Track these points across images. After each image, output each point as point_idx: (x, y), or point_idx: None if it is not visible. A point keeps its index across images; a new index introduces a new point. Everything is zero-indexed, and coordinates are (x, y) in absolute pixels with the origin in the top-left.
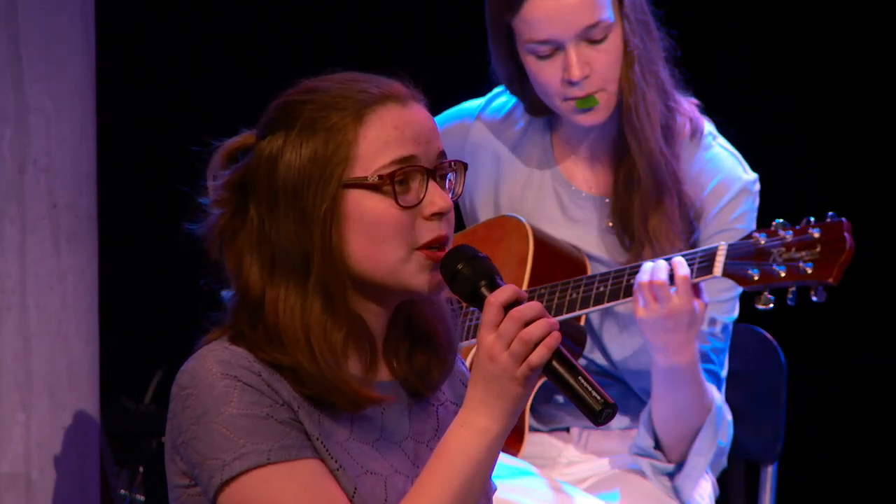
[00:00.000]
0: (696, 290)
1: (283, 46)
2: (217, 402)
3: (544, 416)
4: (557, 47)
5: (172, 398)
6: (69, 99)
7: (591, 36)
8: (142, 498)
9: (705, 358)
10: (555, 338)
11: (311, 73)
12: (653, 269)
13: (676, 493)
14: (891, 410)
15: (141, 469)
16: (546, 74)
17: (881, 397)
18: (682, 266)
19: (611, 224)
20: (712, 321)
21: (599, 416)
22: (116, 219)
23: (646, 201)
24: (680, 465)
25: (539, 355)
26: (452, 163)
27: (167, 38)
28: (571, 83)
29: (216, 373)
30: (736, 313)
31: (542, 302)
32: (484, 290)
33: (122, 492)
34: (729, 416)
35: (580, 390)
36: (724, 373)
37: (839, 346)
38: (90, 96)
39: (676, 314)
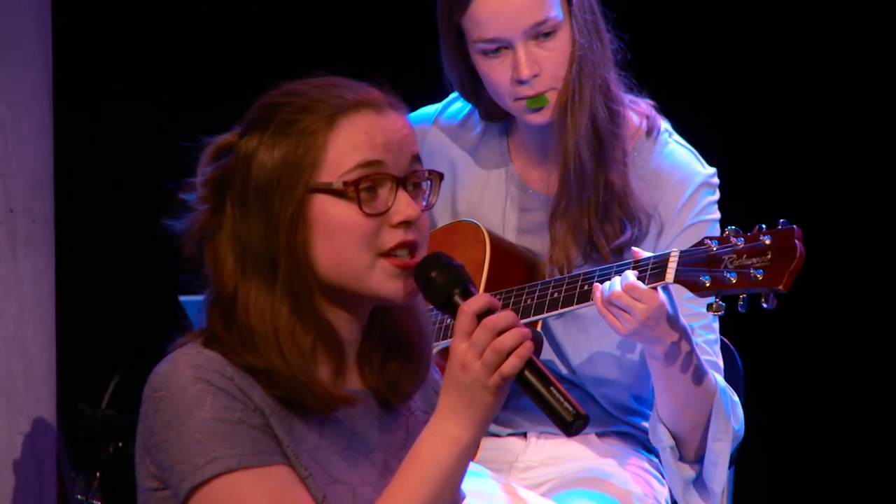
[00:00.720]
0: (650, 291)
1: (240, 52)
2: (190, 406)
3: (501, 420)
4: (506, 46)
5: (144, 400)
6: (26, 103)
7: (539, 35)
8: (98, 503)
9: (702, 350)
10: (527, 347)
11: (263, 82)
12: (609, 288)
13: (705, 484)
14: (847, 413)
15: (98, 474)
16: (496, 74)
17: (838, 401)
18: (625, 278)
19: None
20: (700, 314)
21: (571, 427)
22: (73, 223)
23: (557, 202)
24: (701, 459)
25: (511, 365)
26: (427, 172)
27: (124, 43)
28: (521, 82)
29: (189, 376)
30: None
31: None
32: (457, 298)
33: (80, 497)
34: (735, 398)
35: (552, 401)
36: (721, 362)
37: (796, 351)
38: (47, 101)
39: (651, 314)
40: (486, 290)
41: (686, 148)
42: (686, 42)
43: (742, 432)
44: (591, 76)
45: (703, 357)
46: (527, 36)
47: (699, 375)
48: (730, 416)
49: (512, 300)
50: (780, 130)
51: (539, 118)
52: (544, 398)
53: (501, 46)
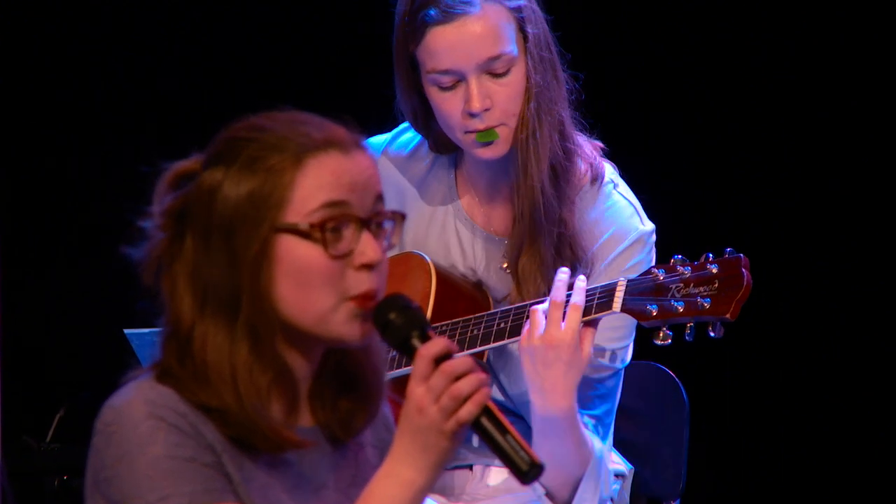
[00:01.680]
0: (588, 334)
1: (193, 78)
2: (142, 442)
3: None
4: (460, 79)
5: (96, 433)
6: None
7: (493, 69)
8: None
9: (591, 404)
10: (484, 394)
11: (214, 110)
12: (549, 299)
13: None
14: (792, 448)
15: None
16: (448, 106)
17: (783, 435)
18: (578, 294)
19: (505, 265)
20: (603, 367)
21: (526, 476)
22: (18, 254)
23: (519, 239)
24: None
25: (468, 411)
26: (390, 213)
27: (70, 66)
28: (472, 115)
29: (143, 412)
30: (628, 360)
31: None
32: (415, 341)
33: None
34: (612, 466)
35: (507, 448)
36: (610, 419)
37: (741, 384)
38: None
39: (557, 345)
40: (432, 322)
41: (628, 201)
42: (634, 74)
43: (608, 500)
44: (549, 113)
45: (590, 412)
46: (480, 69)
47: (575, 446)
48: (599, 486)
49: (458, 331)
50: (727, 158)
51: (488, 153)
52: (500, 446)
53: (455, 78)
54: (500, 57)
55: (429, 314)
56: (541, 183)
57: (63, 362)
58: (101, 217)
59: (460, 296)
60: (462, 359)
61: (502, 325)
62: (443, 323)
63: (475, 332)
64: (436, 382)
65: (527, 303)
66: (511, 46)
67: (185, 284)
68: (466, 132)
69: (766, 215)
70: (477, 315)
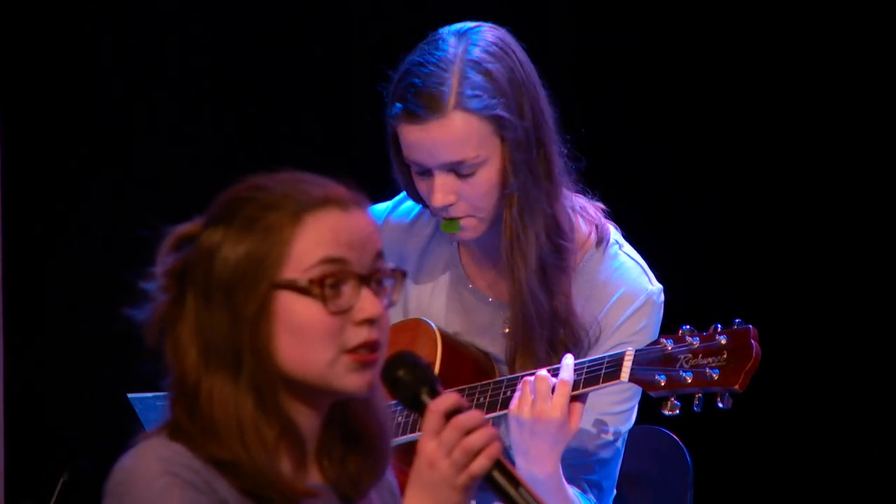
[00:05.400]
0: (576, 410)
1: (197, 141)
2: (156, 500)
3: None
4: (427, 171)
5: (106, 496)
6: None
7: (457, 170)
8: None
9: (590, 469)
10: (496, 447)
11: (219, 172)
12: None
13: None
14: None
15: None
16: (421, 189)
17: (788, 498)
18: (566, 370)
19: (507, 329)
20: (604, 432)
21: None
22: (21, 321)
23: (514, 339)
24: None
25: (480, 465)
26: (391, 270)
27: (74, 127)
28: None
29: (156, 469)
30: (631, 423)
31: None
32: (425, 397)
33: None
34: None
35: (521, 501)
36: (608, 483)
37: (745, 448)
38: None
39: (546, 420)
40: None
41: (635, 261)
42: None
43: None
44: (532, 213)
45: (588, 476)
46: (444, 168)
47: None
48: None
49: (464, 398)
50: (730, 228)
51: (455, 238)
52: (513, 499)
53: (423, 168)
54: (463, 162)
55: None
56: (528, 285)
57: (67, 426)
58: (105, 280)
59: (466, 363)
60: (473, 413)
61: (509, 393)
62: (449, 390)
63: (482, 399)
64: (447, 437)
65: (533, 371)
66: (478, 151)
67: (189, 341)
68: (435, 215)
69: (770, 283)
70: (484, 382)
